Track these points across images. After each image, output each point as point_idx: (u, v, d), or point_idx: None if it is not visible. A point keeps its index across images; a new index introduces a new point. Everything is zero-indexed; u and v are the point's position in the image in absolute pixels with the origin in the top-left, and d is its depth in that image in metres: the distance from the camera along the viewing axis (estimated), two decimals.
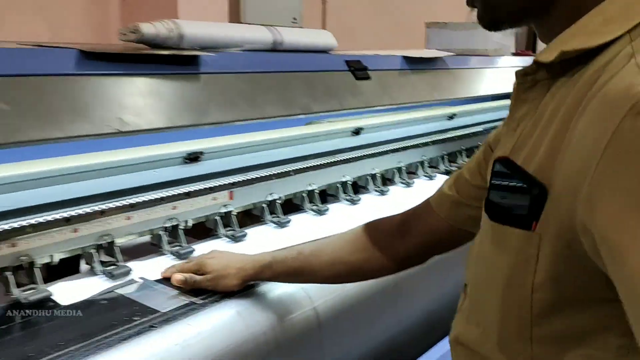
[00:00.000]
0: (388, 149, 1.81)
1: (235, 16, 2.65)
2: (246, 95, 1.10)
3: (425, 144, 2.01)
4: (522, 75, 0.67)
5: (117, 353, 0.85)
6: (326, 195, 1.67)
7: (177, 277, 1.03)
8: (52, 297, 0.99)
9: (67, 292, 1.02)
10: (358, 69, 1.40)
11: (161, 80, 0.99)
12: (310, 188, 1.55)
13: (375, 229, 0.98)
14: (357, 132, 1.68)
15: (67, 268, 1.12)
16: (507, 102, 0.72)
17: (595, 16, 0.58)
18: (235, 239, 1.30)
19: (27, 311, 0.95)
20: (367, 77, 1.41)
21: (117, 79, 0.93)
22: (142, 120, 0.92)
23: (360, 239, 0.97)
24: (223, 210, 1.32)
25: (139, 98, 0.94)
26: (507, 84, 2.10)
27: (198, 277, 1.02)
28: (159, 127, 0.95)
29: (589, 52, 0.58)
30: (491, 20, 0.66)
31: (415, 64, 1.64)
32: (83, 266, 1.16)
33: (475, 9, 0.67)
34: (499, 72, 2.10)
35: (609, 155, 0.49)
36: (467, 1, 0.67)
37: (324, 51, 1.58)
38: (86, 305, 0.99)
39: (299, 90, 1.23)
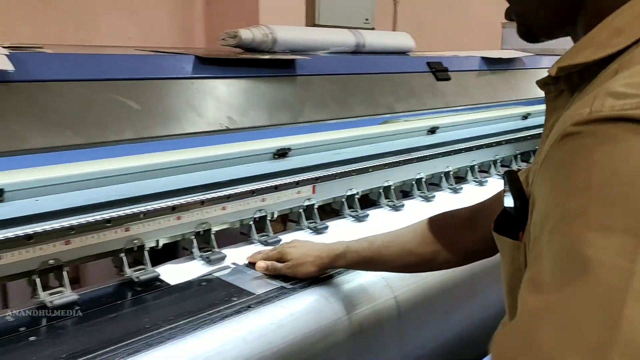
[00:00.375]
0: (462, 147, 1.85)
1: (311, 18, 2.74)
2: (336, 95, 1.18)
3: (499, 143, 2.03)
4: (542, 85, 0.65)
5: (220, 328, 0.94)
6: (401, 192, 1.73)
7: (261, 264, 1.13)
8: (160, 277, 1.10)
9: (171, 273, 1.13)
10: (439, 70, 1.45)
11: (262, 82, 1.08)
12: (386, 184, 1.61)
13: (443, 222, 1.02)
14: (432, 130, 1.72)
15: (165, 253, 1.23)
16: None
17: (604, 28, 0.56)
18: (317, 230, 1.38)
19: (137, 288, 1.06)
20: (448, 78, 1.45)
21: (227, 81, 1.03)
22: (247, 119, 1.01)
23: (429, 231, 1.00)
24: (306, 203, 1.40)
25: (244, 98, 1.03)
26: None
27: (279, 265, 1.11)
28: (260, 125, 1.04)
29: (602, 61, 0.55)
30: (526, 34, 0.67)
31: (493, 64, 1.66)
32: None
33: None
34: None
35: (541, 172, 0.52)
36: (506, 15, 0.68)
37: (402, 52, 1.63)
38: (189, 285, 1.09)
39: (383, 90, 1.29)
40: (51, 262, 0.99)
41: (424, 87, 1.38)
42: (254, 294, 1.06)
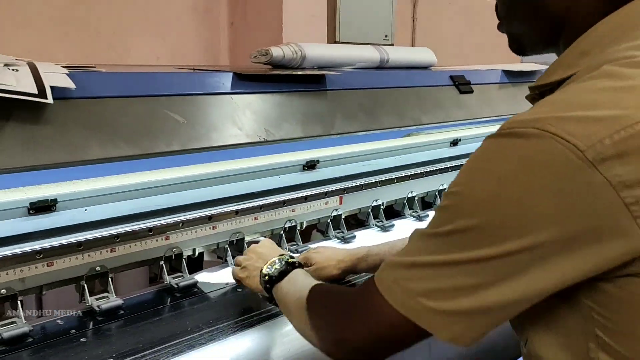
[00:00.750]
0: None
1: (332, 36, 2.81)
2: (364, 108, 1.23)
3: None
4: (530, 100, 0.72)
5: (258, 332, 0.99)
6: (424, 203, 1.77)
7: None
8: (197, 284, 1.15)
9: (207, 280, 1.18)
10: (462, 84, 1.49)
11: (295, 96, 1.14)
12: (410, 195, 1.65)
13: None
14: (455, 142, 1.76)
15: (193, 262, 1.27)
16: None
17: (570, 52, 0.64)
18: (345, 240, 1.43)
19: (177, 294, 1.12)
20: (470, 91, 1.50)
21: (263, 96, 1.09)
22: (283, 132, 1.07)
23: None
24: (334, 213, 1.45)
25: (279, 112, 1.09)
26: None
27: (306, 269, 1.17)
28: (295, 137, 1.09)
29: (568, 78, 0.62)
30: (517, 49, 0.74)
31: (514, 77, 1.71)
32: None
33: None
34: None
35: None
36: (498, 27, 0.74)
37: (424, 67, 1.68)
38: (225, 292, 1.14)
39: (408, 103, 1.34)
40: (98, 268, 1.05)
41: (447, 100, 1.43)
42: None
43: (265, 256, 1.01)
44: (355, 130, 1.17)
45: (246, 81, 1.06)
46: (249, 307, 1.06)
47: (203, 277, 1.20)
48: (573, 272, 0.55)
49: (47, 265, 0.99)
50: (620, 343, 0.57)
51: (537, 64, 2.07)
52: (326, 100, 1.17)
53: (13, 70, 0.77)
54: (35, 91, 0.75)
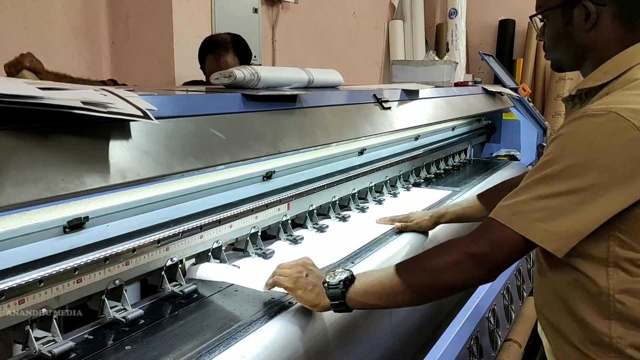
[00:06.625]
0: (380, 165, 2.18)
1: None
2: (332, 123, 1.42)
3: (401, 161, 2.40)
4: (564, 100, 1.25)
5: (271, 324, 1.12)
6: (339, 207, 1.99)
7: (397, 225, 1.72)
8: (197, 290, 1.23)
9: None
10: (383, 101, 1.76)
11: (281, 113, 1.29)
12: (333, 200, 1.87)
13: (487, 196, 1.64)
14: (362, 152, 2.03)
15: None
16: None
17: (598, 71, 1.13)
18: (295, 241, 1.59)
19: (182, 301, 1.19)
20: (389, 107, 1.77)
21: (273, 114, 1.22)
22: (285, 146, 1.21)
23: (481, 203, 1.65)
24: (284, 218, 1.61)
25: (281, 128, 1.23)
26: (453, 109, 2.57)
27: (409, 223, 1.71)
28: (293, 149, 1.24)
29: (597, 88, 1.12)
30: (557, 68, 1.24)
31: (409, 95, 2.03)
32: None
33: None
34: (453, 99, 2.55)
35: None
36: (545, 57, 1.25)
37: (335, 86, 1.92)
38: (222, 296, 1.24)
39: (358, 118, 1.56)
40: (117, 281, 1.09)
41: (375, 115, 1.69)
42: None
43: (315, 271, 1.21)
44: (329, 142, 1.36)
45: (253, 101, 1.20)
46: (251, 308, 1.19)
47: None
48: (627, 200, 0.96)
49: (77, 282, 1.01)
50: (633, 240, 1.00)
51: (408, 83, 2.45)
52: (301, 116, 1.34)
53: (102, 94, 0.82)
54: (141, 113, 0.80)
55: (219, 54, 2.45)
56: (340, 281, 1.12)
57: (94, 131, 0.85)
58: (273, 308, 1.17)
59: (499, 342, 1.76)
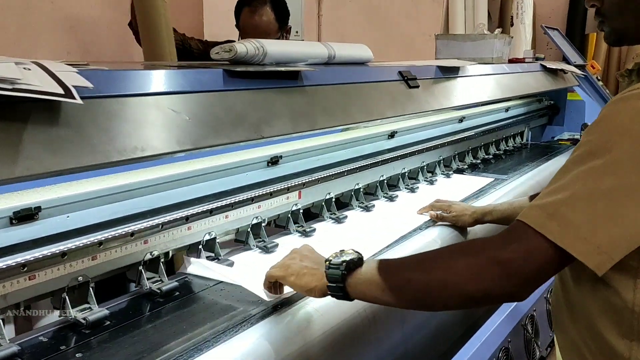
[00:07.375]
0: (415, 150, 1.99)
1: None
2: (340, 104, 1.26)
3: (441, 145, 2.20)
4: (620, 76, 1.05)
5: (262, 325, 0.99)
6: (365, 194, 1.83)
7: (433, 214, 1.57)
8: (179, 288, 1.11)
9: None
10: (410, 79, 1.57)
11: (279, 92, 1.14)
12: (357, 187, 1.71)
13: None
14: (392, 135, 1.85)
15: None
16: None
17: None
18: (306, 234, 1.44)
19: (160, 299, 1.07)
20: (417, 86, 1.58)
21: (257, 92, 1.07)
22: (275, 129, 1.06)
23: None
24: (293, 208, 1.46)
25: (271, 107, 1.08)
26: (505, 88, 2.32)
27: (446, 215, 1.54)
28: (286, 133, 1.09)
29: None
30: (615, 40, 0.99)
31: (445, 72, 1.82)
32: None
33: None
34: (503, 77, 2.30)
35: None
36: (598, 26, 0.98)
37: (363, 63, 1.74)
38: (208, 293, 1.12)
39: (374, 98, 1.39)
40: (80, 278, 0.98)
41: (400, 94, 1.50)
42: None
43: (313, 256, 1.03)
44: (334, 125, 1.20)
45: (238, 78, 1.05)
46: (234, 307, 1.05)
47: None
48: None
49: (29, 279, 0.91)
50: None
51: (454, 59, 2.22)
52: (308, 96, 1.19)
53: (25, 69, 0.70)
54: (62, 91, 0.68)
55: (255, 7, 2.31)
56: (344, 262, 0.93)
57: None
58: (256, 313, 1.03)
59: (538, 354, 1.55)
